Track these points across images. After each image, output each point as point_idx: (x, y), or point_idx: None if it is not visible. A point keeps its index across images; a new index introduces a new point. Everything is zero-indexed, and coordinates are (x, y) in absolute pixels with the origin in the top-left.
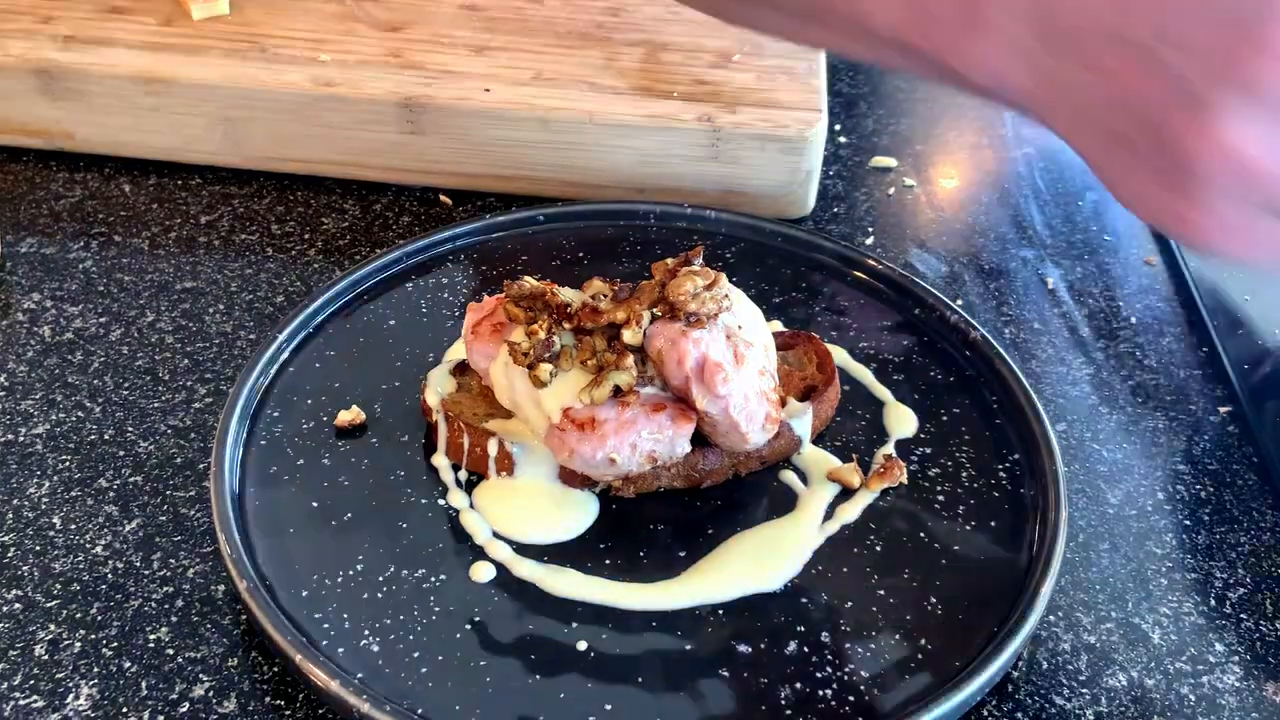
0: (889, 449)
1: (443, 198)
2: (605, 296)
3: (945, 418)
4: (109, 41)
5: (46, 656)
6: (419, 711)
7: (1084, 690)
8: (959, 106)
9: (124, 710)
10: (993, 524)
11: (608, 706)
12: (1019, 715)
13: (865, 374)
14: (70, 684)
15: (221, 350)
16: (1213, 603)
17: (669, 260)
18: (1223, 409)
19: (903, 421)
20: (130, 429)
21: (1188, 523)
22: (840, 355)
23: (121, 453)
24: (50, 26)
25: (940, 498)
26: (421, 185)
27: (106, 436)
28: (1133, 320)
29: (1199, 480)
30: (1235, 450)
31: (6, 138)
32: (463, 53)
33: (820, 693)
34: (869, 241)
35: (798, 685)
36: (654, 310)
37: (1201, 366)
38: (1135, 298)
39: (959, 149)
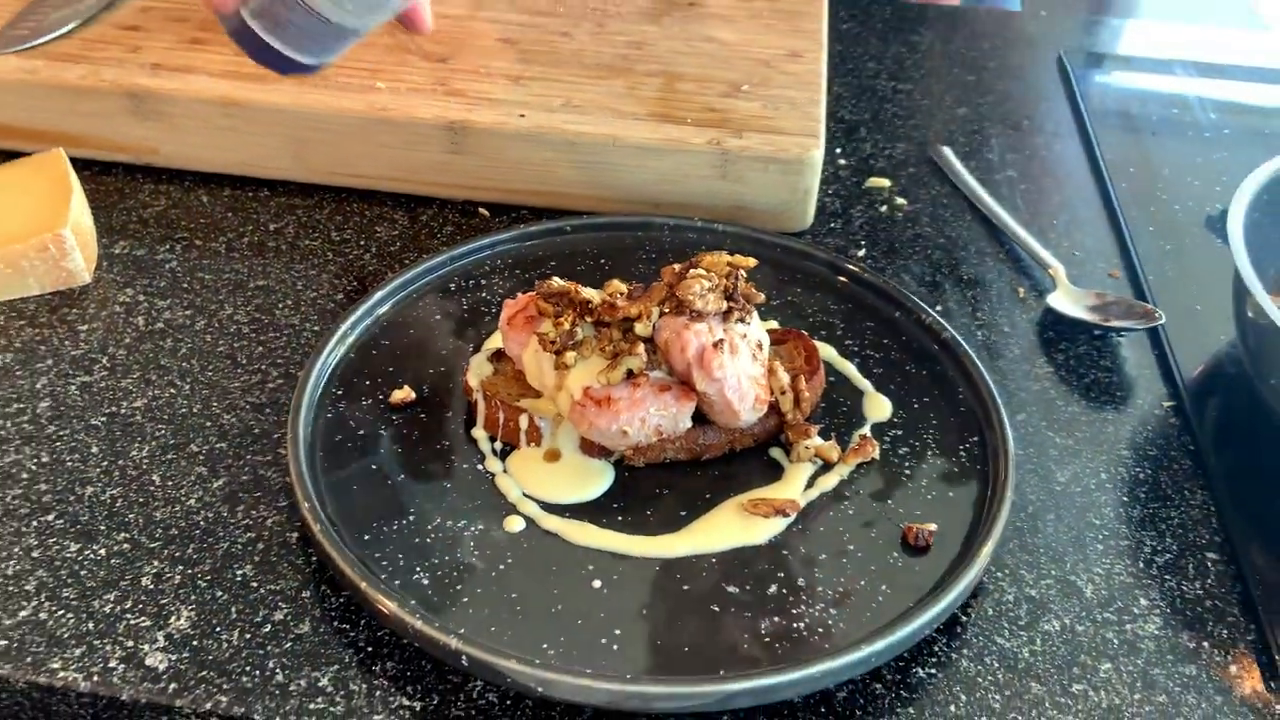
0: (865, 430)
1: (481, 210)
2: (622, 295)
3: (916, 406)
4: (191, 69)
5: (152, 586)
6: (461, 631)
7: (1022, 633)
8: (950, 134)
9: (217, 629)
10: (950, 494)
11: (617, 632)
12: (965, 650)
13: (849, 367)
14: (172, 608)
15: (290, 339)
16: (1141, 565)
17: (676, 265)
18: (1167, 403)
19: (879, 408)
20: (215, 404)
21: (1125, 499)
22: (827, 351)
23: (208, 423)
24: (138, 55)
25: (907, 471)
26: (463, 199)
27: (195, 410)
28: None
29: (1139, 464)
30: (1174, 439)
31: (99, 152)
32: (501, 82)
33: (795, 625)
34: (861, 253)
35: (776, 619)
36: (662, 307)
37: (1152, 366)
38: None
39: (947, 171)
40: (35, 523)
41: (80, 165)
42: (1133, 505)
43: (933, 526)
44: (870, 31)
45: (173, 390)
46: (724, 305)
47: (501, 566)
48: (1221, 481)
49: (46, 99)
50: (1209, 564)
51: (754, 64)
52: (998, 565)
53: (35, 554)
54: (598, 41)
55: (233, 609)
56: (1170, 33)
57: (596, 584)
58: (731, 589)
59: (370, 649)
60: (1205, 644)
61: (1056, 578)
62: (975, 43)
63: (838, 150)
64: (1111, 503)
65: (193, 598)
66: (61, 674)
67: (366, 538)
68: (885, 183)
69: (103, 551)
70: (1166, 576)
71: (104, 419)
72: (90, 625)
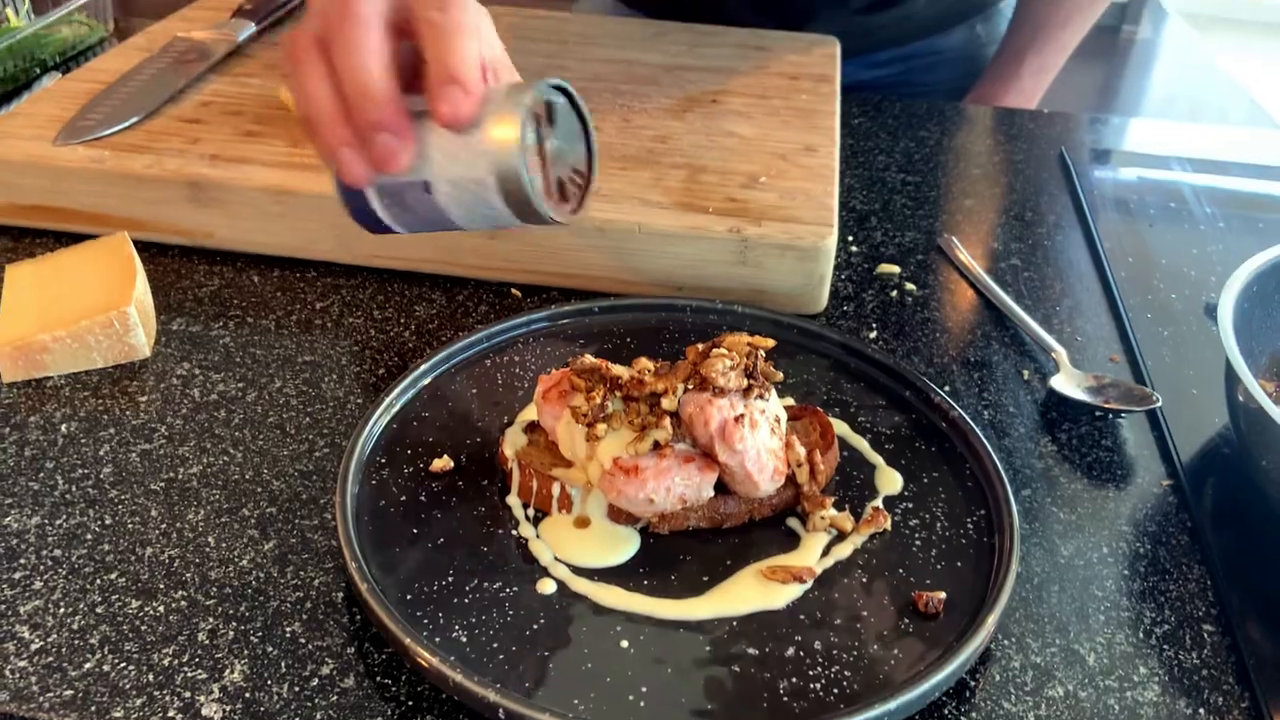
0: (877, 502)
1: (514, 290)
2: (649, 372)
3: (926, 480)
4: (246, 159)
5: (208, 641)
6: (497, 686)
7: (1028, 698)
8: (956, 225)
9: (268, 682)
10: (959, 564)
11: (643, 689)
12: (973, 714)
13: (861, 443)
14: (227, 662)
15: (336, 411)
16: (1141, 635)
17: (699, 345)
18: (1165, 482)
19: (890, 481)
20: (265, 471)
21: (1126, 572)
22: (841, 427)
23: (259, 489)
24: (198, 146)
25: (917, 542)
26: (497, 280)
27: (247, 476)
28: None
29: (1139, 539)
30: (1173, 516)
31: (158, 235)
32: None
33: (811, 686)
34: (872, 335)
35: (794, 680)
36: (687, 384)
37: (1151, 447)
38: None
39: (954, 259)
40: (99, 581)
41: (140, 247)
42: (1133, 579)
43: (942, 595)
44: (881, 127)
45: (226, 458)
46: (745, 383)
47: (535, 626)
48: (1217, 557)
49: (113, 186)
50: (1205, 635)
51: (771, 157)
52: (1004, 633)
53: (99, 610)
54: (625, 135)
55: (282, 663)
56: (1168, 130)
57: (624, 644)
58: (751, 650)
59: (411, 703)
60: (1201, 710)
61: (1060, 646)
62: (980, 139)
63: (850, 238)
64: (1113, 576)
65: (245, 652)
66: None
67: (408, 597)
68: (895, 269)
69: (162, 608)
70: (1165, 646)
71: (162, 484)
72: (150, 677)
